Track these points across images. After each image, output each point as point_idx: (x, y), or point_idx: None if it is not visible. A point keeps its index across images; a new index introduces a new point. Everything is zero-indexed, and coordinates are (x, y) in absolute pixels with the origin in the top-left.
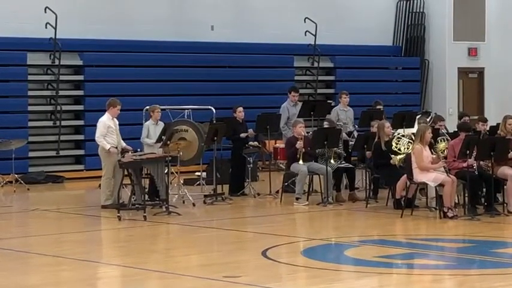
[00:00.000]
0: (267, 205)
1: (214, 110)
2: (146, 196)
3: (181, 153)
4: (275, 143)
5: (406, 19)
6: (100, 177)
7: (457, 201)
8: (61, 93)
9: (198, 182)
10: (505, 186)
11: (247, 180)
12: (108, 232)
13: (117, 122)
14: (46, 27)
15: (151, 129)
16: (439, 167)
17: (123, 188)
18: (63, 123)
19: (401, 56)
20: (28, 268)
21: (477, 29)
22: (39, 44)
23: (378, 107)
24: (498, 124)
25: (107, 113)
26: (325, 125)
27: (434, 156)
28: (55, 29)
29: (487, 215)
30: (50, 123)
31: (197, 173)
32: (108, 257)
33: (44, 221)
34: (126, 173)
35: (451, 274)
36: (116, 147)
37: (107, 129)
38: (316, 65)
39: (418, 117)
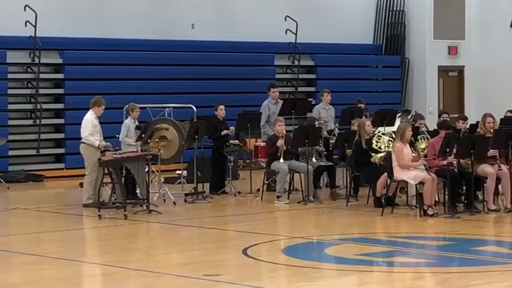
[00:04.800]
0: (247, 203)
1: (195, 109)
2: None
3: (161, 151)
4: (256, 142)
5: (386, 18)
6: (80, 175)
7: (437, 199)
8: (41, 91)
9: (178, 181)
10: (484, 184)
11: (228, 178)
12: (89, 231)
13: (98, 121)
14: (26, 26)
15: (132, 128)
16: (419, 165)
17: (103, 186)
18: (44, 121)
19: (381, 54)
20: (8, 267)
21: (457, 28)
22: (19, 43)
23: (360, 105)
24: (478, 122)
25: (91, 110)
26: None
27: (414, 154)
28: (35, 27)
29: (467, 213)
30: (30, 121)
31: (178, 172)
32: (89, 255)
33: (24, 219)
34: (106, 171)
35: (432, 272)
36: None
37: (93, 127)
38: (296, 63)
39: (398, 115)
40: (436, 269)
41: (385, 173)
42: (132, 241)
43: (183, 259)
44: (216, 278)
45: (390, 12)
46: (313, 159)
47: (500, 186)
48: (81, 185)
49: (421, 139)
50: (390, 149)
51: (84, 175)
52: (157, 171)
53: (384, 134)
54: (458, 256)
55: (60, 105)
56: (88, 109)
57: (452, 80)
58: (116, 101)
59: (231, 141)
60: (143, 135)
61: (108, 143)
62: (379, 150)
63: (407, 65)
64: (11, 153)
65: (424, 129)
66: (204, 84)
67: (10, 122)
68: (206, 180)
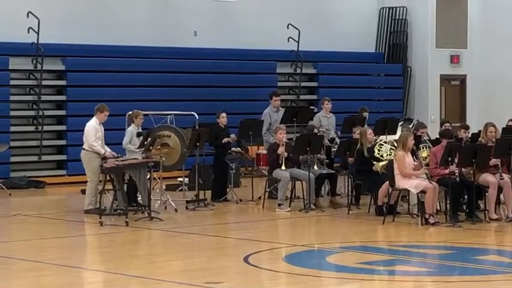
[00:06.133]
0: (249, 211)
1: (197, 116)
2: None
3: (163, 158)
4: (258, 149)
5: (388, 26)
6: (82, 182)
7: (438, 208)
8: (43, 98)
9: (180, 188)
10: (486, 193)
11: (229, 186)
12: (90, 237)
13: (103, 128)
14: (28, 32)
15: (135, 135)
16: (421, 173)
17: (105, 193)
18: (45, 128)
19: (383, 62)
20: (9, 273)
21: (459, 36)
22: (22, 49)
23: (364, 113)
24: (480, 131)
25: (94, 117)
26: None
27: (416, 163)
28: (37, 33)
29: (468, 222)
30: (32, 128)
31: (179, 179)
32: (90, 262)
33: (26, 226)
34: (108, 178)
35: (433, 281)
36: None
37: (96, 134)
38: (298, 71)
39: (400, 124)
40: (437, 277)
41: (387, 182)
42: (133, 248)
43: (184, 266)
44: (217, 285)
45: (392, 21)
46: (315, 167)
47: (502, 196)
48: (82, 191)
49: (422, 148)
50: (392, 158)
51: (85, 182)
52: (159, 178)
53: (385, 142)
54: (459, 265)
55: (62, 112)
56: (90, 115)
57: (454, 89)
58: (118, 108)
59: (233, 149)
60: (145, 142)
61: (114, 153)
62: (381, 158)
63: (409, 74)
64: (12, 159)
65: (426, 137)
66: (206, 91)
67: (12, 129)
68: (208, 187)
